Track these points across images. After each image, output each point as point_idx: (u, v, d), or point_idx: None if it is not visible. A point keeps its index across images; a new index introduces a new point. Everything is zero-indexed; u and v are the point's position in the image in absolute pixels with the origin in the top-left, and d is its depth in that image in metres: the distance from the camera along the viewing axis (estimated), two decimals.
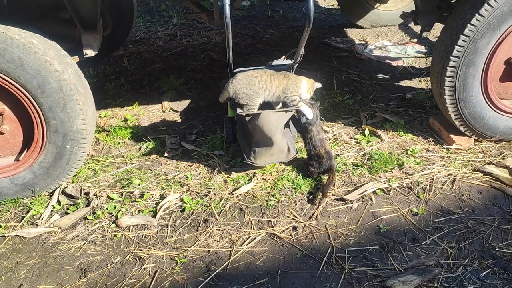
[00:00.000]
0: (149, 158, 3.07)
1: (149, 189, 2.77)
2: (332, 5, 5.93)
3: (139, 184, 2.81)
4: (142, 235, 2.44)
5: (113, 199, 2.70)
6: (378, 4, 4.89)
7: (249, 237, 2.37)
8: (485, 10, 2.53)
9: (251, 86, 2.56)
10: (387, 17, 5.00)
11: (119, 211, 2.60)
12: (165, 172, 2.92)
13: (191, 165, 2.95)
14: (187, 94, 3.89)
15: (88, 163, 3.03)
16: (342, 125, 3.31)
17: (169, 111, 3.66)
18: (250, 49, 4.69)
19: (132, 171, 2.95)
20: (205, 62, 4.45)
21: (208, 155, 3.01)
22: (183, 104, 3.74)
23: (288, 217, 2.48)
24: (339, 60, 4.34)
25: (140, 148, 3.18)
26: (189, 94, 3.88)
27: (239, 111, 2.60)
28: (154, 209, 2.60)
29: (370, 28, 5.07)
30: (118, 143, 3.25)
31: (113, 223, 2.53)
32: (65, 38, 3.08)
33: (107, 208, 2.62)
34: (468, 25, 2.57)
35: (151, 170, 2.95)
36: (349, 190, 2.63)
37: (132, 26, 4.54)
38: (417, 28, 4.98)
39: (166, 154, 3.07)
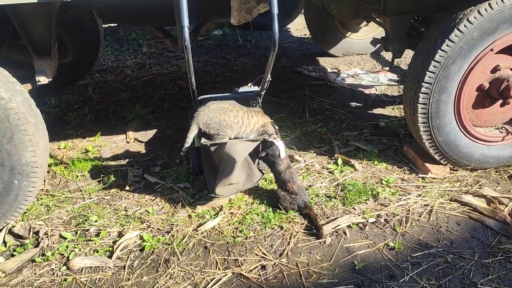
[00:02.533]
0: (109, 192, 2.86)
1: (107, 226, 2.54)
2: (305, 35, 5.93)
3: (95, 221, 2.58)
4: (96, 278, 2.20)
5: (65, 238, 2.46)
6: (349, 32, 4.89)
7: (213, 278, 2.16)
8: (455, 35, 2.48)
9: (225, 117, 2.44)
10: (359, 45, 5.00)
11: (71, 251, 2.37)
12: (125, 207, 2.70)
13: (154, 199, 2.75)
14: (153, 123, 3.71)
15: (42, 198, 2.80)
16: (315, 154, 3.18)
17: (134, 141, 3.47)
18: (221, 78, 4.58)
19: (89, 207, 2.72)
20: (174, 90, 4.31)
21: (172, 188, 2.82)
22: (149, 134, 3.56)
23: (256, 254, 2.29)
24: (311, 88, 4.27)
25: (99, 182, 2.96)
26: (156, 124, 3.70)
27: (203, 140, 2.44)
28: (110, 249, 2.37)
29: (342, 57, 5.05)
30: (77, 176, 3.03)
31: (64, 265, 2.29)
32: (22, 65, 2.90)
33: (58, 249, 2.38)
34: (439, 51, 2.51)
35: (110, 205, 2.73)
36: (321, 224, 2.46)
37: (98, 54, 4.41)
38: (388, 56, 4.99)
39: (127, 188, 2.86)
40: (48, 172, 3.07)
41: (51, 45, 2.56)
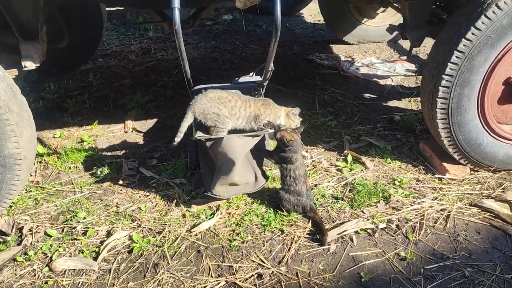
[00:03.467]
0: (101, 185, 2.69)
1: (95, 224, 2.37)
2: (319, 20, 5.65)
3: (84, 218, 2.41)
4: (79, 282, 2.04)
5: (51, 236, 2.30)
6: (365, 19, 4.60)
7: (204, 287, 1.97)
8: (482, 23, 2.21)
9: (224, 107, 2.22)
10: (375, 33, 4.71)
11: (55, 251, 2.20)
12: (117, 203, 2.53)
13: (148, 195, 2.56)
14: (154, 112, 3.52)
15: (31, 191, 2.64)
16: (323, 149, 2.96)
17: (132, 131, 3.29)
18: (228, 65, 4.35)
19: (79, 201, 2.55)
20: (178, 77, 4.10)
21: (167, 184, 2.63)
22: (149, 123, 3.37)
23: (253, 261, 2.10)
24: (322, 78, 4.01)
25: (93, 174, 2.79)
26: (156, 113, 3.51)
27: (198, 134, 2.23)
28: (97, 249, 2.20)
29: (357, 44, 4.77)
30: (69, 167, 2.86)
31: (46, 266, 2.13)
32: (15, 49, 2.73)
33: (41, 248, 2.22)
34: (463, 39, 2.25)
35: (101, 200, 2.56)
36: (327, 229, 2.25)
37: (101, 38, 4.22)
38: (406, 45, 4.68)
39: (120, 182, 2.68)
40: (40, 162, 2.92)
41: (38, 28, 2.37)
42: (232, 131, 2.30)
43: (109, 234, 2.30)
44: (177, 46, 1.87)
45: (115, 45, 4.93)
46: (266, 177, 2.36)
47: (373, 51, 4.63)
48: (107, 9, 5.16)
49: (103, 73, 4.25)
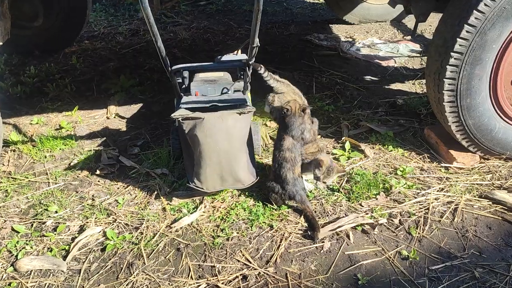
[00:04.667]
0: (78, 176, 2.47)
1: (67, 218, 2.16)
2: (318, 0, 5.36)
3: (56, 212, 2.20)
4: (45, 284, 1.84)
5: (18, 232, 2.09)
6: None
7: None
8: None
9: None
10: (378, 11, 4.43)
11: (22, 248, 2.00)
12: (93, 195, 2.32)
13: (126, 187, 2.35)
14: (139, 97, 3.29)
15: (1, 182, 2.43)
16: (319, 136, 2.72)
17: (115, 117, 3.06)
18: (221, 46, 4.10)
19: (53, 194, 2.34)
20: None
21: (148, 174, 2.42)
22: (133, 109, 3.14)
23: (238, 261, 1.88)
24: (321, 59, 3.76)
25: (69, 164, 2.58)
26: (142, 97, 3.28)
27: (174, 114, 2.00)
28: (67, 247, 2.00)
29: (358, 24, 4.49)
30: (45, 156, 2.65)
31: (11, 265, 1.93)
32: None
33: (7, 245, 2.02)
34: (474, 11, 2.00)
35: (76, 192, 2.35)
36: (320, 224, 2.03)
37: (87, 19, 3.98)
38: (411, 25, 4.42)
39: (98, 172, 2.47)
40: (14, 151, 2.71)
41: None
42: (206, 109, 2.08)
43: (81, 230, 2.09)
44: (144, 17, 1.62)
45: (102, 26, 4.68)
46: (256, 175, 2.13)
47: (375, 31, 4.36)
48: None
49: (88, 55, 4.01)
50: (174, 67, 2.04)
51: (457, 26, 2.07)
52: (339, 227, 1.98)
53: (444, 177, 2.33)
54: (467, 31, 2.04)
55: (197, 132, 1.95)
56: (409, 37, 4.11)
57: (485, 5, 1.98)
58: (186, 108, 2.07)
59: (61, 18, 3.77)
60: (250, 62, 1.97)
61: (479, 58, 2.09)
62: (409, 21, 4.46)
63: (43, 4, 3.26)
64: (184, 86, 2.41)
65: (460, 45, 2.07)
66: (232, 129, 1.98)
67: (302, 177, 2.12)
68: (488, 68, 2.15)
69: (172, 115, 2.00)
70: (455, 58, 2.10)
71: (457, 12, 2.09)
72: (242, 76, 2.18)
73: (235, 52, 2.20)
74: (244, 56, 2.18)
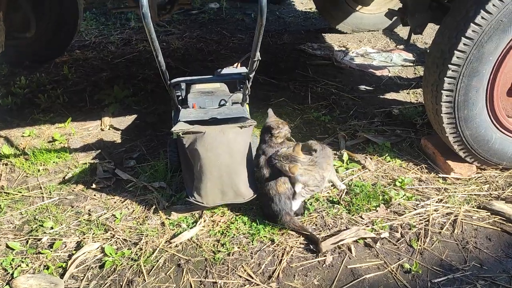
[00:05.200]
0: (73, 190, 2.43)
1: (64, 234, 2.12)
2: (310, 9, 5.38)
3: (51, 228, 2.16)
4: None
5: (13, 250, 2.04)
6: (360, 6, 4.35)
7: None
8: (493, 5, 1.99)
9: None
10: (370, 21, 4.46)
11: (18, 266, 1.95)
12: (89, 210, 2.27)
13: (124, 201, 2.31)
14: (133, 108, 3.26)
15: None
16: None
17: (109, 129, 3.02)
18: (214, 56, 4.09)
19: (48, 209, 2.30)
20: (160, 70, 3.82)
21: (146, 188, 2.38)
22: (127, 120, 3.11)
23: (240, 276, 1.86)
24: (315, 69, 3.77)
25: (64, 178, 2.53)
26: (136, 108, 3.24)
27: (174, 128, 1.98)
28: (64, 264, 1.95)
29: (351, 33, 4.52)
30: (38, 170, 2.60)
31: (7, 284, 1.87)
32: None
33: (2, 263, 1.97)
34: (472, 24, 2.02)
35: (72, 207, 2.30)
36: (322, 237, 2.02)
37: (77, 28, 3.94)
38: (403, 34, 4.46)
39: (94, 186, 2.43)
40: (6, 165, 2.65)
41: None
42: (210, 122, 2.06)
43: (78, 246, 2.05)
44: (146, 33, 1.61)
45: (94, 35, 4.63)
46: (257, 188, 2.11)
47: (368, 40, 4.39)
48: None
49: (79, 65, 3.96)
50: (173, 81, 2.02)
51: (455, 39, 2.08)
52: (340, 240, 1.97)
53: (442, 187, 2.34)
54: (464, 44, 2.06)
55: (198, 146, 1.93)
56: (402, 46, 4.15)
57: (482, 18, 2.00)
58: (185, 122, 2.05)
59: (52, 27, 3.72)
60: (250, 76, 1.96)
61: (476, 70, 2.11)
62: (401, 30, 4.51)
63: (35, 14, 3.21)
64: (181, 98, 2.40)
65: (457, 57, 2.08)
66: (233, 143, 1.97)
67: (291, 196, 2.07)
68: (485, 80, 2.16)
69: (172, 129, 1.98)
70: (452, 70, 2.11)
71: (454, 25, 2.11)
72: (241, 89, 2.17)
73: (235, 65, 2.19)
74: (244, 69, 2.17)
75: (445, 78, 2.14)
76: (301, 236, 2.03)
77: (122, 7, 3.94)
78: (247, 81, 2.01)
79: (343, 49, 4.17)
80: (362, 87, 3.47)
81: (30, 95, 3.43)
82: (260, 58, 1.81)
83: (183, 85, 2.30)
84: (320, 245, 1.93)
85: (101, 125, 3.05)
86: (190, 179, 2.07)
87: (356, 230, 2.02)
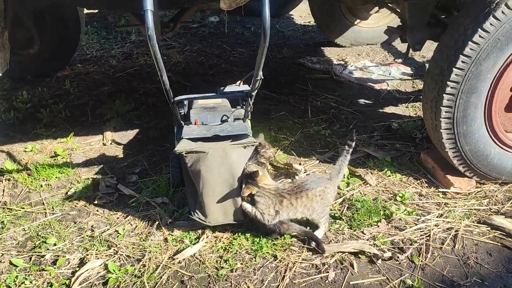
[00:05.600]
0: (75, 206, 2.44)
1: (67, 251, 2.13)
2: (309, 22, 5.44)
3: (54, 244, 2.17)
4: None
5: (16, 266, 2.05)
6: (358, 20, 4.41)
7: None
8: (491, 24, 2.02)
9: None
10: (369, 34, 4.51)
11: (21, 283, 1.96)
12: (92, 226, 2.29)
13: (126, 217, 2.33)
14: (135, 122, 3.28)
15: None
16: (317, 161, 2.74)
17: (111, 143, 3.04)
18: (215, 70, 4.12)
19: (50, 225, 2.31)
20: (161, 84, 3.85)
21: (148, 203, 2.40)
22: (129, 135, 3.13)
23: None
24: (315, 83, 3.80)
25: (66, 193, 2.55)
26: (138, 123, 3.27)
27: (177, 148, 2.00)
28: (68, 281, 1.96)
29: (350, 47, 4.57)
30: (41, 185, 2.61)
31: None
32: None
33: (5, 280, 1.97)
34: (470, 43, 2.06)
35: (75, 223, 2.32)
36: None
37: (79, 43, 3.98)
38: (401, 47, 4.51)
39: (97, 201, 2.44)
40: (9, 180, 2.66)
41: None
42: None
43: (82, 263, 2.06)
44: (151, 54, 1.64)
45: (95, 49, 4.67)
46: None
47: (366, 54, 4.44)
48: (86, 11, 4.94)
49: (81, 79, 3.99)
50: (176, 98, 2.05)
51: (453, 56, 2.12)
52: (345, 248, 2.00)
53: (442, 202, 2.36)
54: (462, 61, 2.09)
55: (201, 166, 1.95)
56: (400, 60, 4.19)
57: (480, 36, 2.04)
58: (187, 139, 2.07)
59: (54, 42, 3.75)
60: (253, 94, 1.99)
61: (474, 87, 2.15)
62: (399, 43, 4.55)
63: (39, 30, 3.25)
64: (183, 113, 2.43)
65: (456, 74, 2.12)
66: (236, 164, 1.99)
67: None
68: (483, 97, 2.20)
69: (175, 149, 2.00)
70: (451, 87, 2.15)
71: (453, 43, 2.15)
72: (243, 106, 2.19)
73: (238, 83, 2.22)
74: (246, 87, 2.20)
75: (444, 95, 2.18)
76: (303, 252, 2.05)
77: (125, 24, 3.98)
78: (249, 98, 2.04)
79: (342, 62, 4.21)
80: (361, 100, 3.51)
81: (32, 109, 3.45)
82: (262, 77, 1.84)
83: (186, 101, 2.33)
84: (322, 245, 1.96)
85: (103, 140, 3.07)
86: (192, 193, 2.09)
87: (361, 243, 2.04)
